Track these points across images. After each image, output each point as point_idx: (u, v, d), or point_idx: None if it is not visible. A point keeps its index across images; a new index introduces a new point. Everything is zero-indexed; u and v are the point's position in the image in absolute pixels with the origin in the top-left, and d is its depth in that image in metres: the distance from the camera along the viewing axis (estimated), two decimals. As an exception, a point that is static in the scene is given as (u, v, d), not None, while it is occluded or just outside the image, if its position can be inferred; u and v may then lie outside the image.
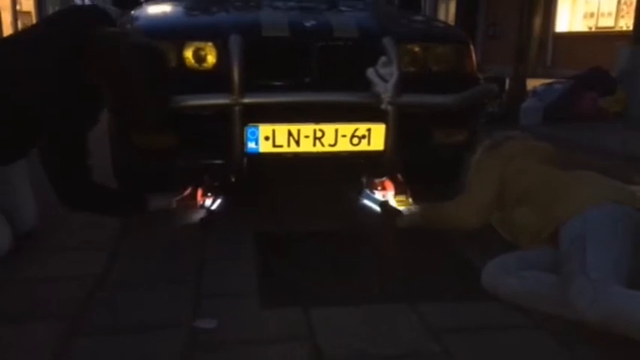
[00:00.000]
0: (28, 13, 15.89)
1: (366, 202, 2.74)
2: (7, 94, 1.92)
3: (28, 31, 2.37)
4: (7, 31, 13.96)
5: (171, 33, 2.38)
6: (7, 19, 14.27)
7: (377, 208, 2.64)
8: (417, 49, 2.49)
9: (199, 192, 2.45)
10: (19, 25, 14.82)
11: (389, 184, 2.73)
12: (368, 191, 2.76)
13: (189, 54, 2.26)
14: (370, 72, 2.27)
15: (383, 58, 2.28)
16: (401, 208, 2.60)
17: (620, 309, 1.50)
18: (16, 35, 2.45)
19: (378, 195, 2.74)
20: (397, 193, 2.70)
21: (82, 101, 1.97)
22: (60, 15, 2.29)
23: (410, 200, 2.67)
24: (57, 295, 1.82)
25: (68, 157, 2.00)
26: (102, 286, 1.88)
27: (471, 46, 2.65)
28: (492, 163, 2.28)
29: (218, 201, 2.50)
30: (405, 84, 2.27)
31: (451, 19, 15.24)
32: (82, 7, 2.42)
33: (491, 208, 2.23)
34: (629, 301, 1.51)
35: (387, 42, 2.32)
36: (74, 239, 2.31)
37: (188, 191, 2.38)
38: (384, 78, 2.24)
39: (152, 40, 2.08)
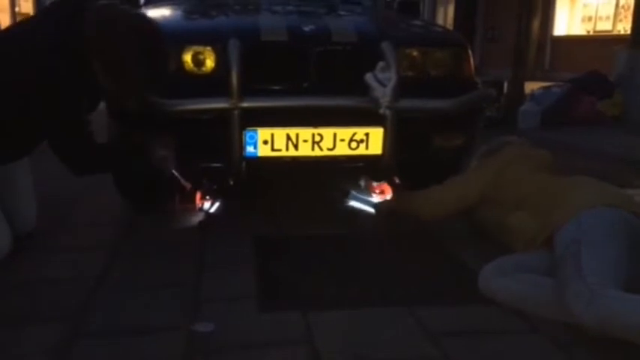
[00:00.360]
0: (27, 14, 15.90)
1: (356, 204, 2.71)
2: (10, 75, 1.94)
3: (29, 18, 2.40)
4: (4, 32, 13.94)
5: (170, 37, 2.37)
6: (5, 20, 14.28)
7: (371, 210, 2.64)
8: (415, 53, 2.50)
9: (198, 195, 2.46)
10: (18, 27, 14.80)
11: (387, 188, 2.74)
12: (356, 193, 2.73)
13: (188, 58, 2.27)
14: (368, 76, 2.28)
15: (381, 63, 2.28)
16: None
17: (616, 313, 1.51)
18: (17, 24, 2.48)
19: (376, 198, 2.74)
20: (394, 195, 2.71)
21: (81, 77, 1.98)
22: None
23: None
24: (56, 296, 1.83)
25: (70, 128, 2.02)
26: (101, 289, 1.89)
27: (469, 51, 2.66)
28: (488, 168, 2.30)
29: (216, 204, 2.50)
30: (403, 88, 2.28)
31: (450, 22, 15.27)
32: None
33: (469, 203, 2.28)
34: (625, 304, 1.52)
35: (385, 46, 2.33)
36: (74, 241, 2.32)
37: (188, 187, 2.37)
38: (382, 82, 2.24)
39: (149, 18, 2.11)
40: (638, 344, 1.49)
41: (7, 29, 2.37)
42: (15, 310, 1.75)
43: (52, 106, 1.96)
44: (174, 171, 2.28)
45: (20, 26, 2.24)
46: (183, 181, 2.33)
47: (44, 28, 2.00)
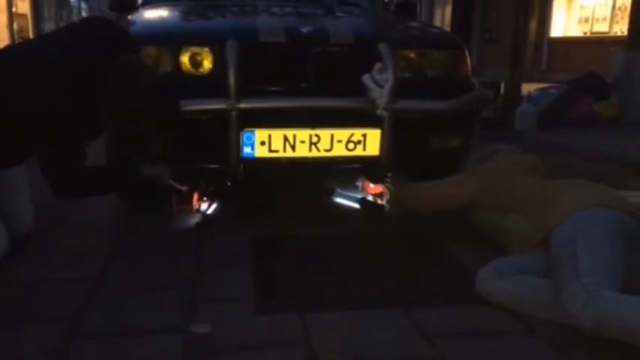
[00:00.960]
0: (24, 15, 15.86)
1: (341, 200, 2.73)
2: (16, 96, 1.92)
3: (52, 36, 2.39)
4: (3, 33, 13.92)
5: (168, 38, 2.39)
6: (2, 21, 14.24)
7: (355, 205, 2.65)
8: (412, 54, 2.51)
9: (195, 196, 2.46)
10: (15, 27, 14.77)
11: (382, 187, 2.74)
12: (340, 190, 2.75)
13: (185, 59, 2.27)
14: (366, 78, 2.29)
15: (379, 64, 2.29)
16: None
17: (612, 313, 1.51)
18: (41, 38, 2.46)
19: (361, 194, 2.74)
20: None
21: (85, 113, 1.99)
22: (90, 25, 2.27)
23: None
24: (55, 297, 1.82)
25: (62, 162, 2.01)
26: (99, 289, 1.88)
27: (466, 52, 2.67)
28: (481, 173, 2.32)
29: (214, 205, 2.50)
30: (400, 90, 2.29)
31: (447, 23, 15.28)
32: (113, 25, 2.41)
33: (463, 203, 2.31)
34: (621, 305, 1.53)
35: (382, 48, 2.34)
36: (71, 242, 2.31)
37: (185, 188, 2.38)
38: (379, 84, 2.25)
39: (168, 82, 2.14)
40: (635, 345, 1.49)
41: (15, 48, 2.34)
42: (14, 311, 1.74)
43: (50, 136, 1.96)
44: (171, 181, 2.30)
45: (34, 48, 2.18)
46: (179, 186, 2.33)
47: (64, 71, 1.97)
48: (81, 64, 1.98)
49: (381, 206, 2.59)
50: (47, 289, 1.89)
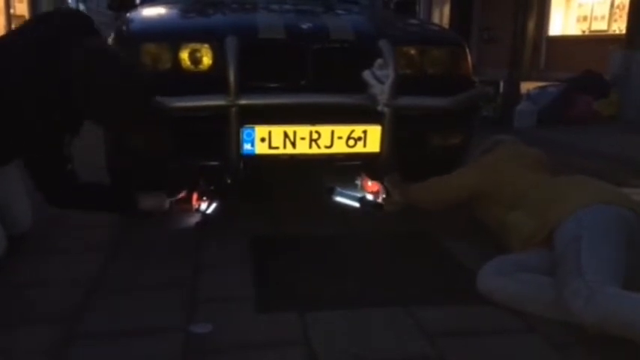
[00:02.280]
0: (22, 16, 15.81)
1: (341, 199, 2.72)
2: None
3: (21, 30, 2.36)
4: (1, 34, 13.85)
5: (167, 34, 2.37)
6: (0, 22, 14.19)
7: (355, 204, 2.64)
8: (413, 51, 2.50)
9: (194, 196, 2.44)
10: (13, 28, 14.71)
11: (380, 186, 2.73)
12: (340, 189, 2.75)
13: (185, 55, 2.25)
14: (366, 74, 2.27)
15: (379, 61, 2.27)
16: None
17: (615, 310, 1.50)
18: (10, 34, 2.43)
19: (361, 193, 2.73)
20: (387, 195, 2.70)
21: (61, 110, 1.96)
22: (53, 16, 2.26)
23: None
24: (53, 298, 1.81)
25: (46, 164, 2.01)
26: (97, 290, 1.87)
27: (467, 49, 2.66)
28: (484, 165, 2.30)
29: (213, 205, 2.49)
30: (401, 86, 2.27)
31: (445, 23, 15.27)
32: (76, 13, 2.41)
33: (464, 196, 2.31)
34: (624, 302, 1.52)
35: (383, 44, 2.32)
36: (69, 242, 2.29)
37: (183, 194, 2.37)
38: (380, 80, 2.23)
39: (138, 62, 2.10)
40: (637, 342, 1.48)
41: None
42: (12, 312, 1.73)
43: (29, 133, 1.94)
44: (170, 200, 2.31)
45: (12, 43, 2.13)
46: (179, 196, 2.33)
47: (26, 52, 1.96)
48: (42, 48, 1.94)
49: (380, 205, 2.58)
50: (46, 290, 1.87)
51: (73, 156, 2.07)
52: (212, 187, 2.53)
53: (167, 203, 2.30)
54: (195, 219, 2.44)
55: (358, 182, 2.82)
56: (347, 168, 2.56)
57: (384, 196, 2.71)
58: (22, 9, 15.91)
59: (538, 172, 2.20)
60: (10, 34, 2.41)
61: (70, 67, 1.90)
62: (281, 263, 2.10)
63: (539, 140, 4.46)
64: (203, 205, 2.46)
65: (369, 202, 2.64)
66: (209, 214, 2.45)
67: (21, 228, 2.22)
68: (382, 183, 2.72)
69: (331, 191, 2.73)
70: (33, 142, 1.97)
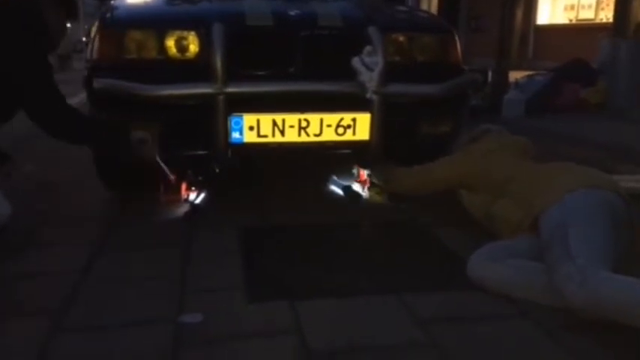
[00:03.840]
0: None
1: (333, 187, 2.77)
2: None
3: None
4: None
5: (153, 22, 2.33)
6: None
7: (340, 192, 2.69)
8: (401, 38, 2.48)
9: (183, 186, 2.42)
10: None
11: (367, 177, 2.73)
12: (335, 177, 2.79)
13: (171, 43, 2.23)
14: (355, 61, 2.25)
15: (368, 47, 2.26)
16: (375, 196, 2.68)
17: (608, 294, 1.50)
18: None
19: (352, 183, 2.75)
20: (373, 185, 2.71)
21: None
22: None
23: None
24: (40, 291, 1.78)
25: (48, 87, 2.02)
26: (85, 282, 1.84)
27: (456, 37, 2.65)
28: (471, 153, 2.31)
29: (202, 195, 2.46)
30: (390, 74, 2.26)
31: (433, 11, 15.24)
32: None
33: (451, 184, 2.34)
34: (616, 285, 1.52)
35: (372, 31, 2.30)
36: (56, 235, 2.26)
37: (173, 177, 2.33)
38: (369, 67, 2.22)
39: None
40: (629, 325, 1.49)
41: None
42: (-1, 304, 1.70)
43: (20, 65, 1.97)
44: (158, 160, 2.24)
45: None
46: (168, 171, 2.29)
47: None
48: None
49: (359, 195, 2.65)
50: (33, 282, 1.85)
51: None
52: (200, 178, 2.50)
53: (156, 149, 2.24)
54: (183, 209, 2.41)
55: (355, 171, 2.82)
56: (337, 158, 2.56)
57: (368, 185, 2.71)
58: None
59: (524, 160, 2.21)
60: None
61: None
62: (271, 253, 2.09)
63: (528, 129, 4.47)
64: (192, 196, 2.44)
65: (352, 191, 2.67)
66: (197, 205, 2.43)
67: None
68: (368, 173, 2.73)
69: (328, 180, 2.77)
70: (33, 69, 2.01)
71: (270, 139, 2.26)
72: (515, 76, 6.31)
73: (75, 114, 2.12)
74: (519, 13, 6.26)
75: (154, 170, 2.32)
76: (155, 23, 2.30)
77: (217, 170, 2.42)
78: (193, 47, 2.23)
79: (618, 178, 2.45)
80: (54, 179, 2.86)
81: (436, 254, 2.12)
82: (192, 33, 2.23)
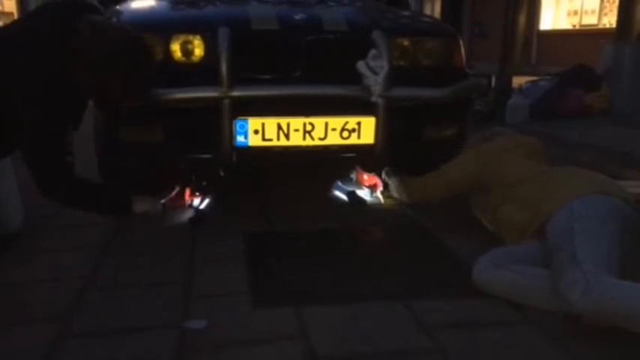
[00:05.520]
0: (11, 13, 15.64)
1: (337, 193, 2.76)
2: None
3: (13, 24, 2.28)
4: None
5: (158, 26, 2.33)
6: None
7: (344, 198, 2.68)
8: (406, 42, 2.48)
9: (187, 191, 2.41)
10: (1, 24, 14.54)
11: (377, 179, 2.72)
12: (339, 183, 2.78)
13: (176, 47, 2.22)
14: (360, 65, 2.25)
15: (373, 51, 2.25)
16: (386, 201, 2.67)
17: (612, 300, 1.49)
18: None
19: (365, 191, 2.74)
20: (385, 188, 2.70)
21: (64, 96, 1.89)
22: (45, 7, 2.13)
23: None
24: (45, 297, 1.78)
25: (48, 152, 1.92)
26: (91, 288, 1.83)
27: (460, 41, 2.65)
28: (481, 154, 2.31)
29: (206, 201, 2.46)
30: (395, 78, 2.25)
31: (436, 17, 15.29)
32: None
33: (461, 186, 2.34)
34: (621, 291, 1.51)
35: (376, 35, 2.30)
36: (62, 241, 2.25)
37: (176, 191, 2.33)
38: (374, 70, 2.21)
39: (139, 32, 2.01)
40: (634, 331, 1.48)
41: None
42: (3, 311, 1.69)
43: (32, 122, 1.87)
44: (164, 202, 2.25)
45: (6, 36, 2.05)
46: (174, 192, 2.29)
47: (27, 43, 1.88)
48: (41, 38, 1.87)
49: (364, 201, 2.64)
50: (38, 289, 1.84)
51: (73, 149, 1.98)
52: (204, 183, 2.49)
53: (160, 206, 2.23)
54: (188, 215, 2.41)
55: (353, 176, 2.82)
56: (342, 162, 2.55)
57: (381, 189, 2.70)
58: (10, 6, 15.75)
59: (533, 162, 2.21)
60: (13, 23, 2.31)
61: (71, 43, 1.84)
62: (276, 258, 2.08)
63: (531, 134, 4.44)
64: (196, 201, 2.43)
65: (356, 197, 2.66)
66: (202, 210, 2.42)
67: (14, 227, 2.18)
68: (380, 176, 2.72)
69: (333, 185, 2.77)
70: (37, 129, 1.89)
71: (275, 143, 2.25)
72: (518, 81, 6.31)
73: (77, 189, 2.01)
74: (522, 19, 6.26)
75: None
76: (160, 27, 2.30)
77: (222, 174, 2.41)
78: (198, 51, 2.23)
79: (624, 184, 2.44)
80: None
81: (441, 260, 2.10)
82: (198, 37, 2.23)
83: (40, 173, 1.94)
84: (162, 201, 2.24)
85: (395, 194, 2.66)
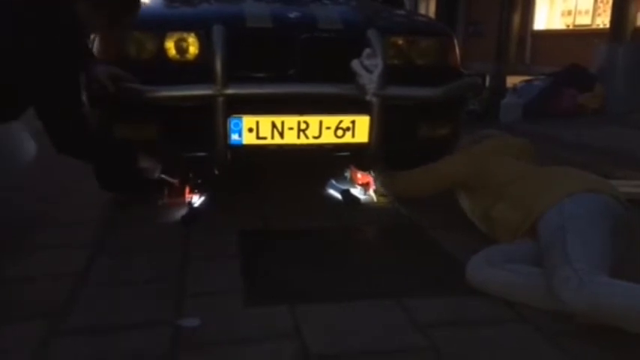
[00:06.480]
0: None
1: (331, 191, 2.77)
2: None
3: None
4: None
5: (153, 23, 2.32)
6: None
7: (338, 196, 2.68)
8: (401, 41, 2.48)
9: (187, 189, 2.41)
10: None
11: (370, 178, 2.73)
12: (333, 181, 2.79)
13: (170, 45, 2.22)
14: (355, 63, 2.25)
15: (368, 50, 2.25)
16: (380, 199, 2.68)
17: (605, 298, 1.50)
18: None
19: (359, 190, 2.75)
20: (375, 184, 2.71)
21: (77, 44, 1.88)
22: None
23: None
24: (38, 294, 1.77)
25: (69, 103, 1.88)
26: (83, 285, 1.83)
27: (455, 40, 2.65)
28: (471, 155, 2.32)
29: (201, 198, 2.45)
30: (389, 76, 2.25)
31: (431, 16, 15.32)
32: None
33: (449, 184, 2.36)
34: (613, 290, 1.52)
35: (371, 34, 2.30)
36: (55, 237, 2.24)
37: (175, 182, 2.32)
38: (368, 69, 2.21)
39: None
40: (626, 329, 1.49)
41: None
42: (-2, 307, 1.69)
43: (53, 75, 1.82)
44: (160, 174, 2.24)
45: None
46: (170, 179, 2.28)
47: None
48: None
49: (358, 199, 2.64)
50: (30, 286, 1.83)
51: (84, 100, 1.97)
52: (200, 181, 2.49)
53: (159, 168, 2.21)
54: (181, 212, 2.40)
55: (347, 174, 2.82)
56: (336, 160, 2.55)
57: (374, 187, 2.71)
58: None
59: (524, 162, 2.22)
60: None
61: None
62: (270, 256, 2.08)
63: (525, 133, 4.46)
64: (194, 199, 2.43)
65: (350, 195, 2.67)
66: (196, 208, 2.42)
67: (28, 157, 2.15)
68: (371, 175, 2.72)
69: (327, 184, 2.77)
70: (59, 81, 1.85)
71: (269, 141, 2.25)
72: (512, 81, 6.33)
73: (91, 139, 2.01)
74: (517, 18, 6.28)
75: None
76: (155, 25, 2.29)
77: (216, 172, 2.41)
78: (193, 49, 2.23)
79: (616, 183, 2.45)
80: (49, 183, 2.84)
81: (435, 258, 2.11)
82: (192, 34, 2.23)
83: (59, 126, 1.90)
84: (159, 174, 2.23)
85: (381, 187, 2.67)
